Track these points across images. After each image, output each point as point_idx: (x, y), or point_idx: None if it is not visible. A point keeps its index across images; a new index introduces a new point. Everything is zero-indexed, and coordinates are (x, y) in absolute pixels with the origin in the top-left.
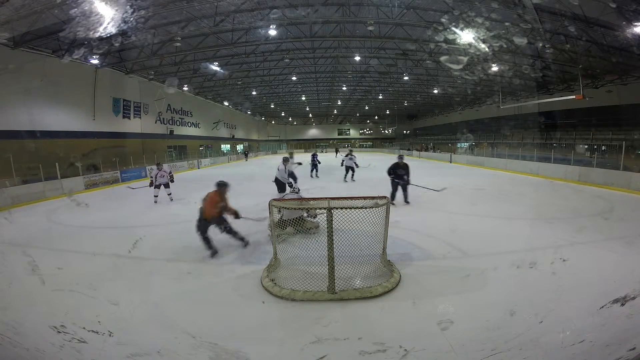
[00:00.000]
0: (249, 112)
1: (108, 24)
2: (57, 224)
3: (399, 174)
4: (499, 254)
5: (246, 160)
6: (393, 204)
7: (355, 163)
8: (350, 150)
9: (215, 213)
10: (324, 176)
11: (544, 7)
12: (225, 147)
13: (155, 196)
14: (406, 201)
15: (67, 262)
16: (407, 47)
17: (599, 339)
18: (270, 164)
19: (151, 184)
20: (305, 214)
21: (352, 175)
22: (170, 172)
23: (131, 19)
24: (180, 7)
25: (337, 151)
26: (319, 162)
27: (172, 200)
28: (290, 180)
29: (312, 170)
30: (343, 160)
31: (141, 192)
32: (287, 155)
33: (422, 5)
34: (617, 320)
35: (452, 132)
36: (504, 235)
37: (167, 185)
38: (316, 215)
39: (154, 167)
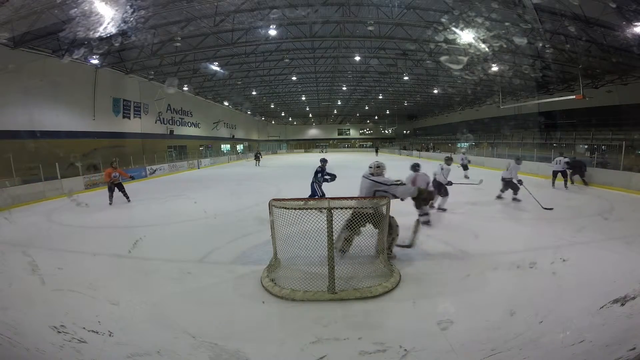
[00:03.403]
0: (249, 112)
1: (108, 24)
2: (57, 224)
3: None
4: (499, 254)
5: (258, 164)
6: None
7: (328, 174)
8: (324, 161)
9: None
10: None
11: (544, 7)
12: (225, 147)
13: None
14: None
15: (67, 262)
16: (407, 47)
17: (599, 339)
18: (271, 164)
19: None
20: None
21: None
22: None
23: (131, 19)
24: (180, 7)
25: (377, 150)
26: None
27: None
28: (450, 180)
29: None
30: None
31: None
32: (449, 155)
33: (422, 5)
34: (617, 320)
35: (452, 132)
36: (504, 235)
37: None
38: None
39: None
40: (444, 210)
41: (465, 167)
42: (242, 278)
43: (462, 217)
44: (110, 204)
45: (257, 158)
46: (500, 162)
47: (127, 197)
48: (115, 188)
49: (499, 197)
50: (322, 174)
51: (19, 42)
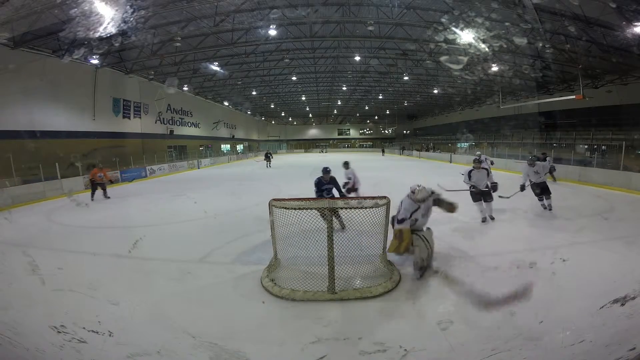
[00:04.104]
0: (249, 112)
1: (108, 24)
2: (57, 224)
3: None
4: (498, 254)
5: (269, 165)
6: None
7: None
8: (325, 171)
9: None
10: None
11: (544, 7)
12: (225, 147)
13: None
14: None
15: (67, 262)
16: (407, 47)
17: (599, 339)
18: (271, 164)
19: None
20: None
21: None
22: None
23: (131, 19)
24: (180, 7)
25: (383, 151)
26: None
27: None
28: (474, 184)
29: None
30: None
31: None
32: (477, 156)
33: (422, 5)
34: (617, 320)
35: (452, 132)
36: (504, 235)
37: None
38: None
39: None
40: (492, 218)
41: None
42: (242, 278)
43: (462, 217)
44: (92, 199)
45: (267, 158)
46: (501, 162)
47: (106, 194)
48: (98, 186)
49: (543, 206)
50: (318, 189)
51: (19, 42)
